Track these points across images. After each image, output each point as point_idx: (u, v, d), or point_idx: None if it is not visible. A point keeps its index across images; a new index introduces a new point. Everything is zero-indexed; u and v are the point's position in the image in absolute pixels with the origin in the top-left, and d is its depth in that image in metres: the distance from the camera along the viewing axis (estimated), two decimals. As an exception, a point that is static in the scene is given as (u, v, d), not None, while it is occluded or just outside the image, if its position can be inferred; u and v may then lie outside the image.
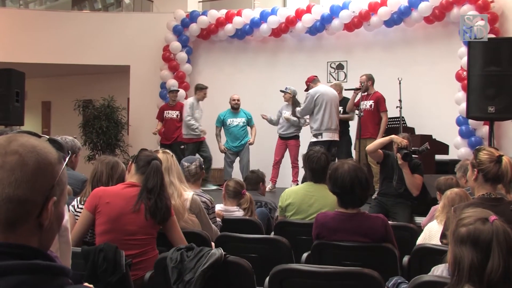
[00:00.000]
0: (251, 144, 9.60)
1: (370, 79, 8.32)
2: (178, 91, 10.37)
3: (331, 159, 7.88)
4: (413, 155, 5.67)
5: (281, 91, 9.35)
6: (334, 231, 3.29)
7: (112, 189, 3.39)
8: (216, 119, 9.73)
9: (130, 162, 3.52)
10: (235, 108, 9.64)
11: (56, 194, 1.28)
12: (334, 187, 3.34)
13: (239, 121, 9.58)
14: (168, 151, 3.90)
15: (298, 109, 8.56)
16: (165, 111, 10.10)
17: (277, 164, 9.32)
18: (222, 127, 9.73)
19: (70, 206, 3.56)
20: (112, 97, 11.43)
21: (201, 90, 9.62)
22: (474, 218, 1.93)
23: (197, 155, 8.80)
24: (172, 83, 10.73)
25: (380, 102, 8.12)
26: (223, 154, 9.69)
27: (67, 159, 1.36)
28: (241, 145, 9.57)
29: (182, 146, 9.88)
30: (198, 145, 9.58)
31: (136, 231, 3.25)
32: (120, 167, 3.71)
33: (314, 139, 7.99)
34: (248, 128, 9.77)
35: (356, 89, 8.32)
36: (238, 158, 9.72)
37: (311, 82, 8.44)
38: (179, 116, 10.01)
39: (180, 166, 4.13)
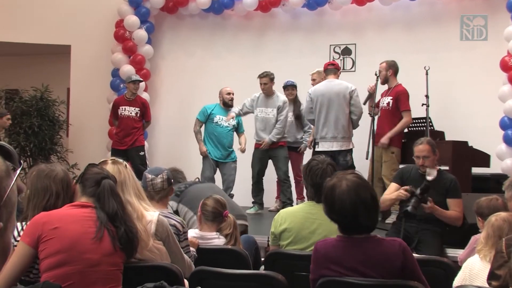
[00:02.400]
0: (243, 151, 9.47)
1: (392, 67, 8.32)
2: (141, 81, 10.24)
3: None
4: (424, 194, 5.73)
5: (288, 86, 9.44)
6: (339, 264, 3.26)
7: (58, 212, 3.33)
8: (199, 112, 9.56)
9: (74, 182, 3.48)
10: (229, 105, 9.52)
11: (2, 218, 1.24)
12: (331, 213, 3.32)
13: (230, 120, 9.46)
14: (119, 160, 3.84)
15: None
16: (120, 107, 9.95)
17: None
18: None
19: None
20: (46, 87, 11.31)
21: None
22: None
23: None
24: (127, 69, 10.65)
25: (400, 99, 8.11)
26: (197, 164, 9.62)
27: (17, 172, 1.32)
28: (226, 155, 9.49)
29: (142, 153, 9.82)
30: None
31: (99, 260, 3.20)
32: (71, 180, 3.66)
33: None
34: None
35: (367, 98, 8.28)
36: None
37: (325, 71, 8.62)
38: (138, 114, 9.94)
39: (142, 179, 4.08)
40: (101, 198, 3.30)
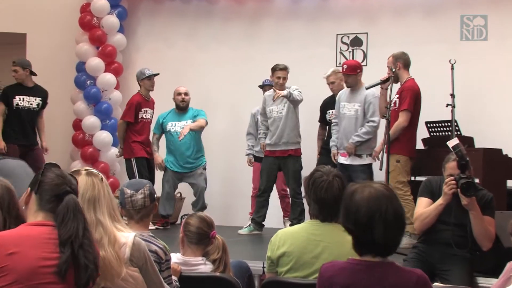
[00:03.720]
0: (180, 137, 9.48)
1: (399, 59, 8.28)
2: (157, 74, 9.99)
3: None
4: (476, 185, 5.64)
5: (266, 85, 9.63)
6: None
7: (14, 233, 3.26)
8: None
9: (28, 190, 3.38)
10: (181, 108, 9.68)
11: None
12: (347, 220, 3.31)
13: (183, 125, 9.61)
14: (94, 171, 3.76)
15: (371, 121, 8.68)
16: (142, 109, 9.75)
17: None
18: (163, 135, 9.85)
19: None
20: (-3, 83, 11.34)
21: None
22: None
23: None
24: (95, 63, 10.68)
25: (403, 95, 8.10)
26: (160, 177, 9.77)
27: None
28: (189, 163, 9.62)
29: None
30: None
31: None
32: (14, 196, 3.59)
33: (367, 161, 8.65)
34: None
35: (382, 82, 8.19)
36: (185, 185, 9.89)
37: (360, 72, 8.78)
38: (152, 117, 9.95)
39: (120, 195, 4.07)
40: (64, 219, 3.21)
